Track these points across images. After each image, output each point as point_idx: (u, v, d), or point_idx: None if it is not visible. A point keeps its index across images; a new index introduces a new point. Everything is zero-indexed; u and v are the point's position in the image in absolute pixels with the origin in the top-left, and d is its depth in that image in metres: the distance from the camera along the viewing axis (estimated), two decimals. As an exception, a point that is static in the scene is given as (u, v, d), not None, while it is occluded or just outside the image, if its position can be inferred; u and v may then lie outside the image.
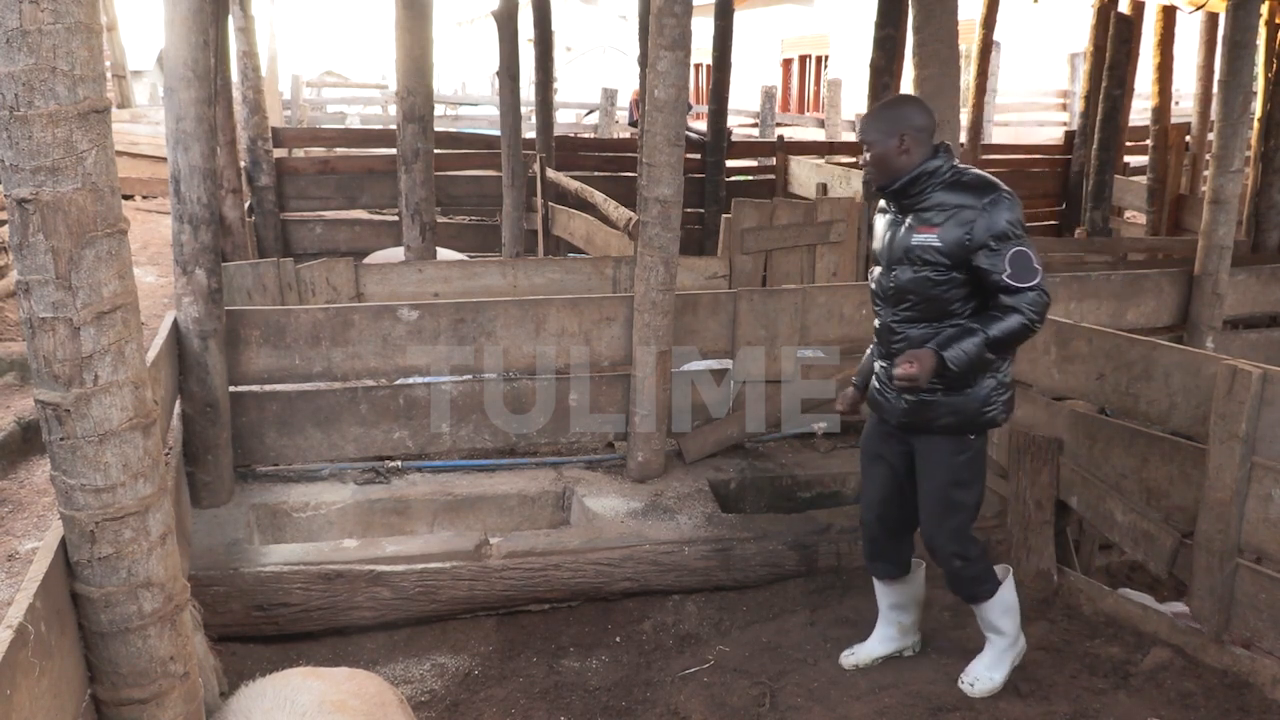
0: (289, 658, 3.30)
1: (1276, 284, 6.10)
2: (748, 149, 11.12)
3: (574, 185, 7.44)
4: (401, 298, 4.99)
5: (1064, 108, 17.22)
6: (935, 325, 2.91)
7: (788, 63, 22.04)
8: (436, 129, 6.13)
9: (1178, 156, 8.98)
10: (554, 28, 9.11)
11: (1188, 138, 9.40)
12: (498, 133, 8.13)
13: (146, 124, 11.57)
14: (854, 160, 9.65)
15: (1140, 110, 12.87)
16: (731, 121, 11.66)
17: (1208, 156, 6.26)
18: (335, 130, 13.68)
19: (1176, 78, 9.02)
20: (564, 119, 16.69)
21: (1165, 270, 5.87)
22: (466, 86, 23.07)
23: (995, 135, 15.19)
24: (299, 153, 10.94)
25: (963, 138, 9.04)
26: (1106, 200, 8.68)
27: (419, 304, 4.31)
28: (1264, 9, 6.29)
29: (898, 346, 2.98)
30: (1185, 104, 12.84)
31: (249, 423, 4.21)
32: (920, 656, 3.38)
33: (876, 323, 3.12)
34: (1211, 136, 5.80)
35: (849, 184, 7.85)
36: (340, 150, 11.09)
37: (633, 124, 15.02)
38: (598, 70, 24.20)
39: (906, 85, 5.62)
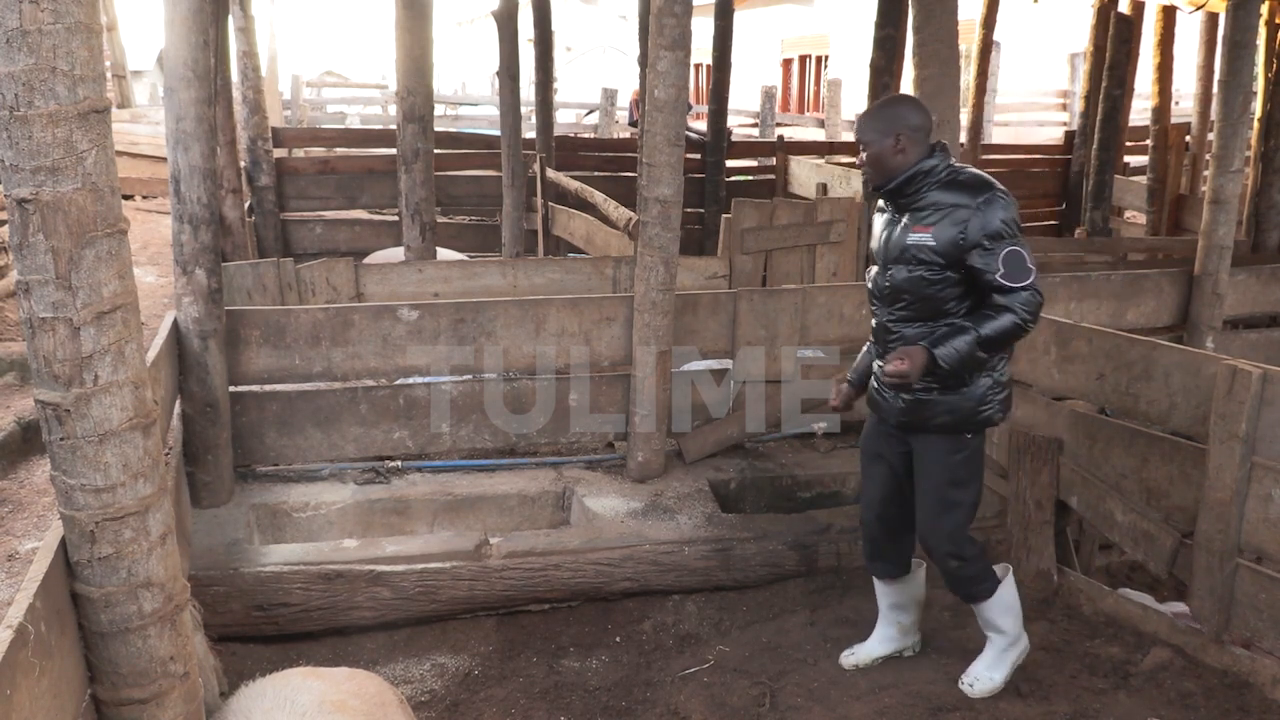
0: (289, 658, 3.29)
1: (1276, 284, 6.10)
2: (748, 149, 11.12)
3: (574, 185, 7.44)
4: (401, 298, 4.99)
5: (1064, 108, 17.22)
6: (931, 325, 2.91)
7: (788, 63, 22.04)
8: (436, 129, 6.13)
9: (1178, 156, 8.98)
10: (554, 28, 9.11)
11: (1188, 138, 9.41)
12: (498, 133, 8.13)
13: (146, 124, 11.57)
14: (854, 160, 9.64)
15: (1140, 110, 12.87)
16: (731, 121, 11.66)
17: (1208, 156, 6.26)
18: (335, 130, 13.68)
19: (1176, 78, 9.03)
20: (564, 119, 16.69)
21: (1165, 270, 5.87)
22: (466, 86, 23.07)
23: (995, 135, 15.19)
24: (299, 153, 10.94)
25: (963, 138, 9.04)
26: (1106, 200, 8.69)
27: (419, 304, 4.31)
28: (1264, 9, 6.29)
29: (894, 345, 2.98)
30: (1185, 104, 12.84)
31: (249, 423, 4.21)
32: (920, 656, 3.38)
33: (873, 322, 3.13)
34: (1211, 136, 5.80)
35: (849, 184, 7.85)
36: (340, 150, 11.09)
37: (633, 124, 15.02)
38: (598, 70, 24.21)
39: (906, 85, 5.62)
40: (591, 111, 17.79)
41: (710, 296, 4.67)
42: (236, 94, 7.67)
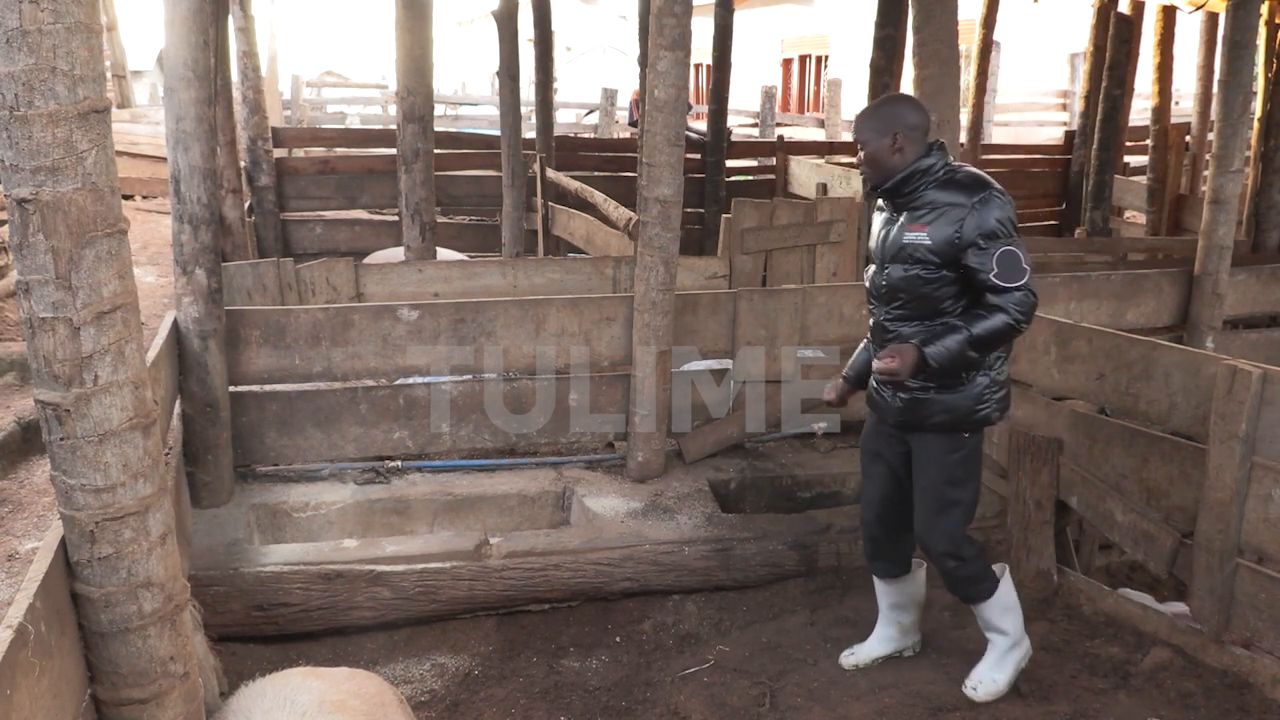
0: (289, 658, 3.29)
1: (1276, 284, 6.10)
2: (748, 149, 11.12)
3: (574, 185, 7.44)
4: (401, 298, 4.99)
5: (1064, 108, 17.22)
6: (927, 323, 2.91)
7: (788, 63, 22.04)
8: (436, 129, 6.13)
9: (1178, 156, 8.98)
10: (554, 28, 9.11)
11: (1188, 138, 9.41)
12: (498, 133, 8.13)
13: (146, 124, 11.57)
14: (854, 160, 9.63)
15: (1140, 110, 12.87)
16: (731, 121, 11.66)
17: (1208, 156, 6.26)
18: (335, 130, 13.69)
19: (1176, 78, 9.02)
20: (564, 119, 16.69)
21: (1165, 270, 5.87)
22: (466, 86, 23.07)
23: (995, 135, 15.19)
24: (299, 153, 10.94)
25: (963, 138, 9.04)
26: (1106, 200, 8.69)
27: (419, 304, 4.31)
28: (1264, 9, 6.29)
29: (890, 344, 2.98)
30: (1185, 104, 12.84)
31: (249, 423, 4.21)
32: (920, 656, 3.38)
33: (871, 321, 3.13)
34: (1211, 136, 5.80)
35: (849, 184, 7.85)
36: (340, 150, 11.09)
37: (633, 124, 15.02)
38: (598, 70, 24.21)
39: (906, 85, 5.62)
40: (591, 111, 17.80)
41: (710, 296, 4.67)
42: (236, 94, 7.67)
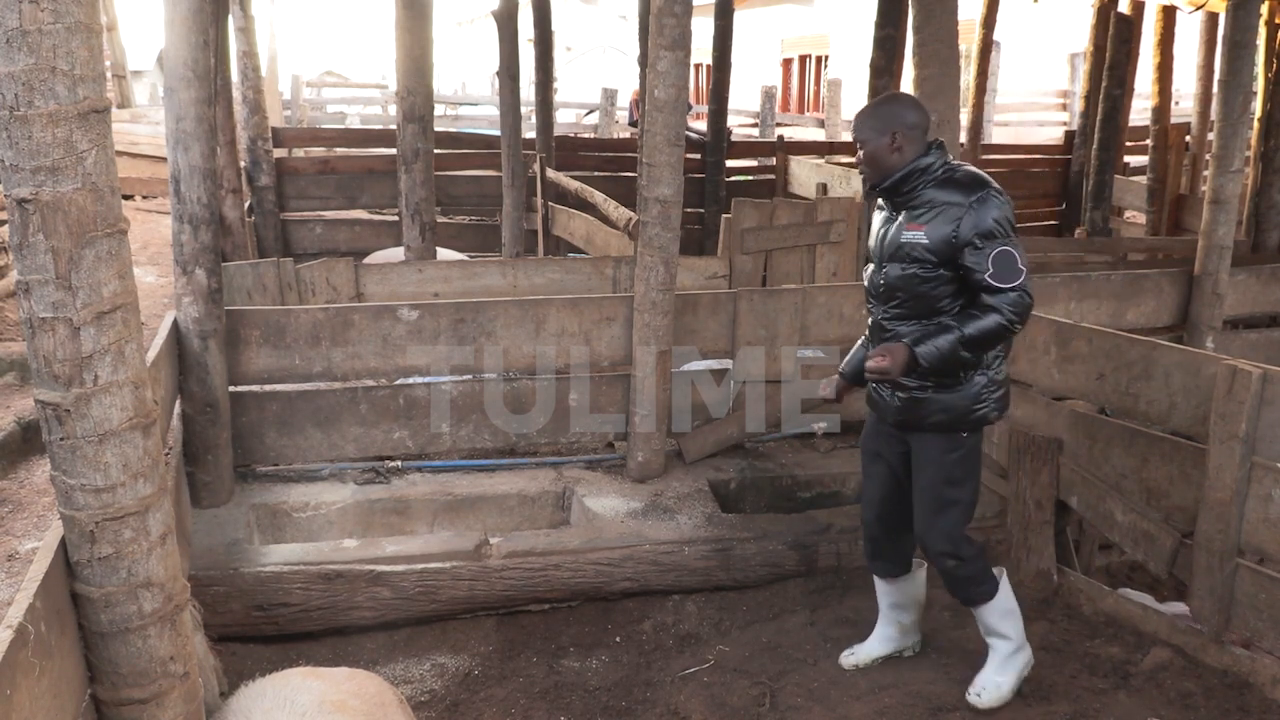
0: (289, 658, 3.29)
1: (1276, 284, 6.10)
2: (748, 149, 11.12)
3: (574, 185, 7.44)
4: (401, 298, 4.99)
5: (1064, 108, 17.22)
6: (925, 323, 2.91)
7: (788, 63, 22.04)
8: (436, 129, 6.13)
9: (1178, 156, 8.98)
10: (554, 28, 9.11)
11: (1188, 138, 9.41)
12: (498, 133, 8.13)
13: (146, 124, 11.58)
14: (854, 160, 9.64)
15: (1140, 110, 12.87)
16: (731, 121, 11.66)
17: (1208, 156, 6.26)
18: (335, 130, 13.69)
19: (1176, 78, 9.02)
20: (564, 119, 16.70)
21: (1165, 270, 5.87)
22: (466, 86, 23.07)
23: (995, 135, 15.19)
24: (299, 153, 10.94)
25: (963, 138, 9.04)
26: (1106, 200, 8.69)
27: (419, 304, 4.31)
28: (1264, 9, 6.29)
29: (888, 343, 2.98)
30: (1185, 104, 12.84)
31: (249, 423, 4.21)
32: (920, 656, 3.38)
33: (869, 320, 3.13)
34: (1211, 136, 5.80)
35: (849, 184, 7.85)
36: (340, 150, 11.09)
37: (633, 124, 15.02)
38: (598, 70, 24.21)
39: (906, 85, 5.62)
40: (591, 111, 17.80)
41: (710, 296, 4.67)
42: (236, 94, 7.67)
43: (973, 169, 2.93)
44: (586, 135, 15.99)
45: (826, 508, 4.44)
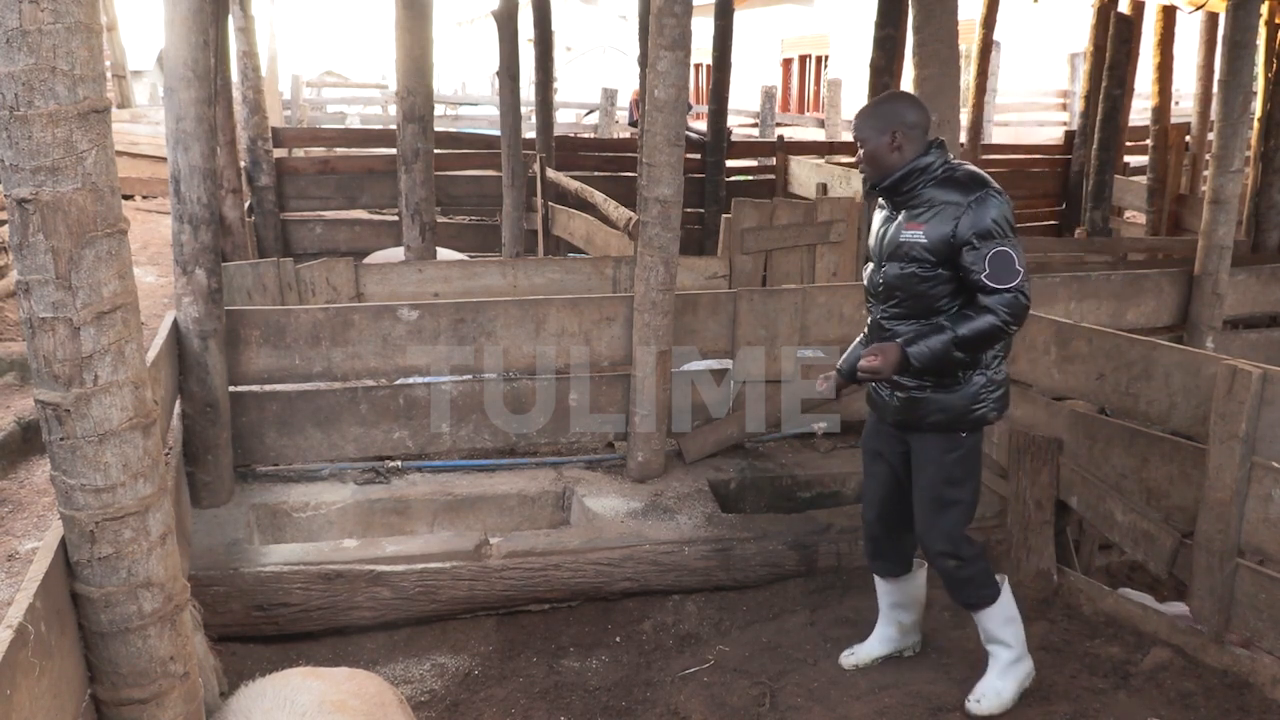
0: (289, 658, 3.29)
1: (1276, 284, 6.10)
2: (748, 149, 11.12)
3: (574, 185, 7.44)
4: (401, 298, 4.99)
5: (1064, 108, 17.22)
6: (923, 322, 2.90)
7: (788, 63, 22.04)
8: (436, 129, 6.13)
9: (1178, 156, 8.97)
10: (554, 28, 9.11)
11: (1188, 138, 9.40)
12: (498, 133, 8.13)
13: (146, 124, 11.58)
14: (854, 160, 9.63)
15: (1140, 110, 12.87)
16: (731, 121, 11.66)
17: (1208, 156, 6.26)
18: (335, 130, 13.69)
19: (1176, 78, 9.02)
20: (564, 119, 16.70)
21: (1165, 270, 5.87)
22: (466, 86, 23.08)
23: (995, 135, 15.19)
24: (299, 153, 10.94)
25: (963, 138, 9.04)
26: (1106, 200, 8.69)
27: (419, 304, 4.31)
28: (1264, 9, 6.29)
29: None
30: (1185, 104, 12.84)
31: (249, 423, 4.21)
32: (920, 656, 3.38)
33: (868, 319, 3.12)
34: (1211, 136, 5.80)
35: (849, 184, 7.85)
36: (340, 150, 11.09)
37: (633, 124, 15.02)
38: (598, 70, 24.21)
39: (906, 85, 5.62)
40: (591, 111, 17.80)
41: (710, 296, 4.67)
42: (236, 94, 7.67)
43: (973, 169, 2.92)
44: (586, 135, 15.99)
45: (826, 508, 4.44)
